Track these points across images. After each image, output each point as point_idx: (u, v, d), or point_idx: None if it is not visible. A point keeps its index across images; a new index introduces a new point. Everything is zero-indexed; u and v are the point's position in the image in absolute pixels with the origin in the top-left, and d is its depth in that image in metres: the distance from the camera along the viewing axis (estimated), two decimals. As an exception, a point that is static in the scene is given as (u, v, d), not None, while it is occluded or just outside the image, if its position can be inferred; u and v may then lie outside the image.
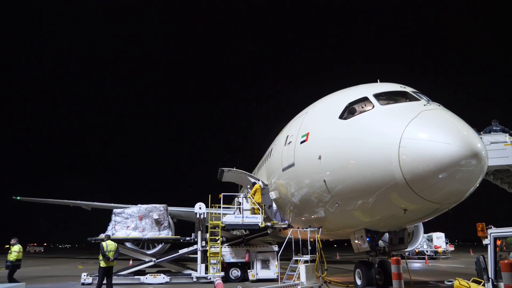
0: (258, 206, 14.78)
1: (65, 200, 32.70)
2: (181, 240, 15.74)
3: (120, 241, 16.05)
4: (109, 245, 11.68)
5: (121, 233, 15.71)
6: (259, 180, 15.94)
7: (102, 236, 15.61)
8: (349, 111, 10.16)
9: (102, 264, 11.48)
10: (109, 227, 15.97)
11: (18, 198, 33.29)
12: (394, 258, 9.06)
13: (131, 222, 15.91)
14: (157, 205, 16.89)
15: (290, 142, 12.37)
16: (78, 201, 32.02)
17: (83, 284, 13.92)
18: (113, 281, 13.81)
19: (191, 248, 15.37)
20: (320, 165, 10.14)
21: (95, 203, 31.63)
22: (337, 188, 9.85)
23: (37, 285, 13.26)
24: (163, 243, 20.98)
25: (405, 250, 11.25)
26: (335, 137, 9.94)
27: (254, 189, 15.18)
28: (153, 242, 17.23)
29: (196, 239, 15.09)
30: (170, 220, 20.22)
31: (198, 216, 15.18)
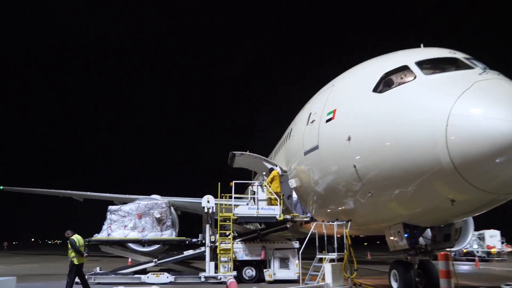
0: (275, 196, 14.72)
1: (54, 190, 33.27)
2: (187, 242, 15.87)
3: (117, 243, 16.28)
4: (79, 240, 12.03)
5: (118, 234, 15.87)
6: (276, 166, 15.85)
7: (97, 236, 15.83)
8: (385, 83, 9.90)
9: (76, 261, 11.80)
10: (104, 227, 16.14)
11: (1, 187, 34.02)
12: (442, 253, 8.91)
13: (129, 221, 16.05)
14: (159, 201, 16.97)
15: (313, 120, 12.20)
16: (69, 191, 32.53)
17: (77, 283, 14.17)
18: (113, 280, 14.12)
19: (198, 251, 15.51)
20: (349, 147, 9.98)
21: (88, 193, 32.11)
22: (369, 175, 9.69)
23: (27, 284, 13.55)
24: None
25: (451, 249, 11.05)
26: (367, 114, 9.72)
27: (271, 176, 15.10)
28: (154, 243, 17.37)
29: (204, 241, 15.16)
30: (175, 215, 20.37)
31: (206, 210, 15.22)
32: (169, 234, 16.03)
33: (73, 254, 11.84)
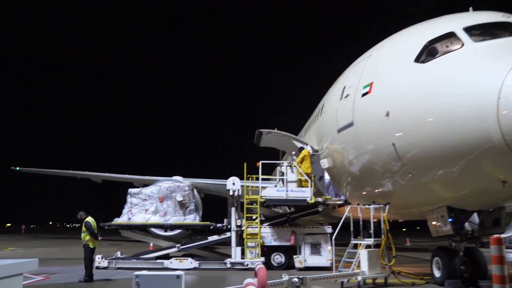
0: (306, 177, 14.75)
1: (71, 171, 34.23)
2: (211, 227, 16.13)
3: (138, 228, 16.71)
4: (93, 222, 12.42)
5: (139, 218, 16.29)
6: (307, 145, 15.83)
7: (118, 221, 16.30)
8: (428, 52, 9.69)
9: (92, 244, 12.22)
10: (124, 211, 16.57)
11: (18, 168, 35.21)
12: (495, 237, 8.80)
13: (150, 204, 16.42)
14: (181, 184, 17.25)
15: (347, 95, 12.08)
16: (86, 172, 33.39)
17: (97, 268, 14.73)
18: (134, 265, 14.59)
19: (223, 236, 15.78)
20: (387, 123, 9.87)
21: (107, 174, 32.87)
22: (410, 154, 9.58)
23: (47, 268, 14.13)
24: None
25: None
26: (408, 87, 9.56)
27: (301, 155, 15.11)
28: (177, 228, 17.76)
29: (229, 226, 15.39)
30: (198, 198, 20.72)
31: (231, 193, 15.41)
32: (193, 218, 16.34)
33: (88, 237, 12.24)
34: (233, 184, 15.53)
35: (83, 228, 12.34)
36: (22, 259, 2.94)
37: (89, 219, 12.42)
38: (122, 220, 16.41)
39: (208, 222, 16.32)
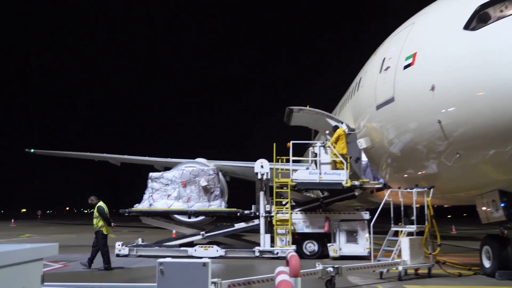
0: (341, 159, 14.68)
1: (88, 153, 34.97)
2: (238, 214, 16.29)
3: (159, 214, 16.99)
4: (105, 207, 12.66)
5: (160, 204, 16.54)
6: (342, 123, 15.71)
7: (138, 207, 16.60)
8: (479, 18, 9.44)
9: (105, 230, 12.48)
10: (145, 196, 16.83)
11: (32, 150, 36.16)
12: None
13: (172, 189, 16.62)
14: (205, 168, 17.40)
15: (387, 67, 11.93)
16: (104, 154, 34.03)
17: (118, 255, 15.10)
18: (156, 253, 14.90)
19: (251, 224, 15.91)
20: (432, 99, 9.74)
21: (126, 156, 33.44)
22: (458, 132, 9.49)
23: (65, 255, 14.56)
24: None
25: None
26: (457, 57, 9.38)
27: (336, 135, 15.02)
28: (201, 215, 17.97)
29: (257, 212, 15.50)
30: (223, 182, 20.86)
31: (259, 176, 15.46)
32: (218, 204, 16.49)
33: (101, 223, 12.51)
34: (261, 166, 15.56)
35: (95, 214, 12.62)
36: (42, 244, 3.02)
37: (101, 203, 12.68)
38: (143, 206, 16.69)
39: (235, 209, 16.45)
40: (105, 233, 12.50)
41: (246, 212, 16.00)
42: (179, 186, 16.59)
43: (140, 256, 15.28)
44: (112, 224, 12.69)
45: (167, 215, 17.76)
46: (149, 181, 16.90)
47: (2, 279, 2.32)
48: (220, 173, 18.10)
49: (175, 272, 5.11)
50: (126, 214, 16.72)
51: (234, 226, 16.21)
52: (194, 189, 16.57)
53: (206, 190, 16.53)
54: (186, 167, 17.64)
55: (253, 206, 15.88)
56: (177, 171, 17.22)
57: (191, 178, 16.66)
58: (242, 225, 16.11)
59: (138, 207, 16.73)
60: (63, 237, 26.01)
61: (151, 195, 16.67)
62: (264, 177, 15.50)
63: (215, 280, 6.38)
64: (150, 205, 16.58)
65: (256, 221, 15.64)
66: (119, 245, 15.38)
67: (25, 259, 2.65)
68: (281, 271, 4.65)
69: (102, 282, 7.67)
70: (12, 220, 44.36)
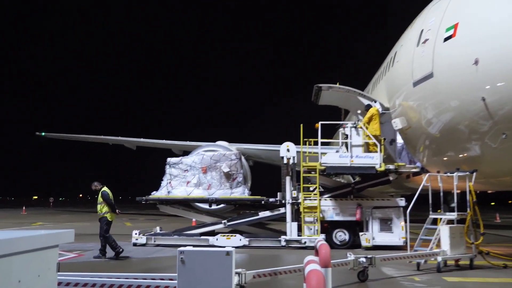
0: (374, 140, 14.60)
1: (102, 136, 35.40)
2: (263, 202, 16.36)
3: (178, 202, 17.16)
4: (110, 192, 12.88)
5: (179, 191, 16.67)
6: (375, 102, 15.57)
7: (156, 194, 16.78)
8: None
9: (110, 217, 12.77)
10: (163, 183, 16.99)
11: (43, 134, 36.78)
12: None
13: (192, 176, 16.73)
14: (227, 152, 17.44)
15: (426, 40, 11.79)
16: (119, 137, 34.41)
17: (135, 244, 15.37)
18: (175, 242, 15.12)
19: (276, 212, 15.99)
20: (476, 74, 9.64)
21: (142, 139, 33.80)
22: (504, 110, 9.42)
23: (79, 244, 14.89)
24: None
25: None
26: (503, 28, 9.24)
27: (368, 114, 14.92)
28: (223, 203, 18.07)
29: (283, 200, 15.55)
30: (246, 167, 20.89)
31: (285, 161, 15.47)
32: (241, 192, 16.54)
33: (106, 209, 12.80)
34: (287, 150, 15.55)
35: (100, 199, 12.87)
36: (57, 230, 3.08)
37: (106, 189, 12.93)
38: (160, 193, 16.85)
39: (259, 197, 16.49)
40: (110, 220, 12.78)
41: (271, 199, 16.02)
42: (199, 172, 16.67)
43: (158, 245, 15.54)
44: (117, 210, 12.97)
45: (186, 203, 17.92)
46: (167, 166, 17.02)
47: (17, 266, 2.38)
48: (243, 158, 18.14)
49: (197, 261, 5.16)
50: (143, 202, 16.94)
51: (258, 215, 16.29)
52: (215, 175, 16.62)
53: (228, 176, 16.57)
54: (207, 152, 17.71)
55: (278, 193, 15.90)
56: (197, 156, 17.30)
57: (211, 164, 16.69)
58: (267, 213, 16.18)
59: (156, 194, 16.90)
60: (77, 225, 26.52)
61: (169, 182, 16.80)
62: (291, 161, 15.50)
63: (238, 270, 6.46)
64: (169, 192, 16.72)
65: (282, 210, 15.70)
66: (136, 233, 15.67)
67: (41, 246, 2.71)
68: (311, 260, 4.65)
69: (119, 272, 7.81)
70: (24, 208, 45.43)
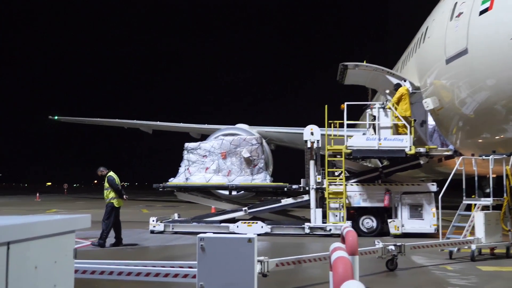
0: (404, 122, 14.48)
1: (117, 120, 35.77)
2: (285, 189, 16.38)
3: (197, 189, 17.27)
4: (117, 178, 13.05)
5: (198, 178, 16.75)
6: (405, 81, 15.42)
7: (174, 181, 16.91)
8: None
9: (117, 203, 12.93)
10: (181, 169, 17.10)
11: (56, 117, 37.28)
12: None
13: (211, 161, 16.80)
14: (247, 137, 17.47)
15: (460, 13, 11.64)
16: (135, 121, 34.70)
17: (152, 232, 15.57)
18: (195, 229, 15.26)
19: (300, 200, 16.01)
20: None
21: (158, 123, 34.03)
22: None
23: (95, 232, 15.11)
24: None
25: None
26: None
27: (398, 94, 14.79)
28: (244, 190, 18.14)
29: (307, 187, 15.55)
30: (268, 151, 20.93)
31: (309, 145, 15.44)
32: (262, 178, 16.56)
33: (112, 195, 12.96)
34: (311, 133, 15.49)
35: (106, 185, 13.06)
36: (73, 215, 3.13)
37: (112, 174, 13.11)
38: (178, 180, 16.97)
39: (282, 183, 16.50)
40: (117, 206, 12.94)
41: (294, 186, 16.00)
42: (218, 157, 16.73)
43: (177, 232, 15.71)
44: (124, 196, 13.11)
45: (205, 190, 18.06)
46: (185, 152, 17.11)
47: (34, 252, 2.41)
48: (264, 142, 18.16)
49: (218, 249, 5.20)
50: (160, 189, 17.08)
51: (280, 202, 16.30)
52: (235, 161, 16.66)
53: (249, 162, 16.58)
54: (226, 136, 17.72)
55: (302, 180, 15.88)
56: (216, 140, 17.34)
57: (231, 149, 16.72)
58: (289, 201, 16.19)
59: (173, 181, 17.02)
60: (92, 212, 26.49)
61: (187, 168, 16.89)
62: (315, 145, 15.44)
63: (261, 258, 6.49)
64: (187, 179, 16.81)
65: (305, 197, 15.70)
66: (153, 220, 15.85)
67: (57, 231, 2.75)
68: (338, 247, 4.66)
69: (137, 260, 7.93)
70: (37, 194, 46.20)
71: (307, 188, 15.52)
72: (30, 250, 2.38)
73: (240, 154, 16.59)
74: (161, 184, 16.95)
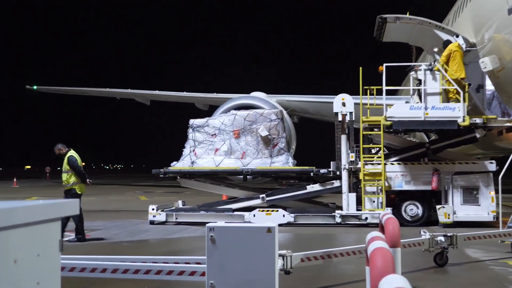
0: (456, 87, 14.33)
1: (107, 89, 35.66)
2: (311, 174, 16.31)
3: (205, 175, 17.26)
4: (79, 158, 12.84)
5: (206, 161, 16.73)
6: (458, 36, 15.21)
7: (177, 166, 16.86)
8: None
9: (79, 189, 12.70)
10: (186, 151, 17.09)
11: (35, 87, 37.46)
12: None
13: (221, 141, 16.77)
14: (265, 111, 17.33)
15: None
16: (129, 90, 34.57)
17: (152, 222, 15.69)
18: (203, 219, 15.31)
19: (329, 187, 16.03)
20: None
21: (157, 92, 33.87)
22: None
23: (88, 223, 15.29)
24: None
25: None
26: None
27: (446, 52, 14.60)
28: (261, 175, 18.00)
29: (338, 171, 15.47)
30: (290, 125, 20.74)
31: (340, 118, 15.34)
32: (283, 161, 16.45)
33: (74, 179, 12.71)
34: (342, 104, 15.34)
35: (66, 166, 12.75)
36: (59, 199, 3.14)
37: (73, 153, 12.86)
38: (182, 164, 17.01)
39: (307, 167, 16.44)
40: (79, 193, 12.69)
41: (323, 171, 15.91)
42: (230, 136, 16.65)
43: (181, 223, 15.80)
44: (88, 180, 12.91)
45: (214, 176, 17.95)
46: (190, 130, 17.07)
47: (12, 244, 2.38)
48: (285, 114, 18.05)
49: (231, 240, 5.19)
50: (161, 176, 17.15)
51: (305, 189, 16.26)
52: (251, 141, 16.56)
53: (267, 142, 16.45)
54: (239, 111, 17.43)
55: (331, 162, 15.82)
56: (227, 116, 17.20)
57: (246, 126, 16.63)
58: (317, 187, 16.17)
59: (177, 165, 17.02)
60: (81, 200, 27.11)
61: (193, 150, 16.83)
62: (347, 118, 15.34)
63: (283, 252, 6.50)
64: (192, 163, 16.79)
65: (336, 183, 15.70)
66: (153, 209, 15.91)
67: (40, 218, 2.75)
68: (376, 236, 4.63)
69: (134, 255, 8.03)
70: (15, 180, 46.41)
71: (338, 173, 15.48)
72: (8, 241, 2.36)
73: (256, 132, 16.45)
74: (161, 170, 16.96)
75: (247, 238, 5.22)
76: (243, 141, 16.62)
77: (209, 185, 17.82)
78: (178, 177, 17.49)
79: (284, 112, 19.25)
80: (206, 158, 16.74)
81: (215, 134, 16.83)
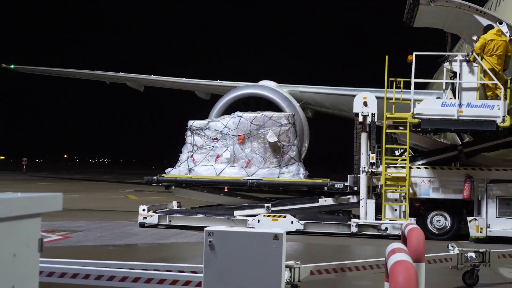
0: (496, 81, 14.26)
1: (95, 72, 35.66)
2: (325, 188, 16.32)
3: (204, 184, 17.26)
4: None
5: (205, 169, 16.71)
6: (501, 23, 15.11)
7: (172, 173, 16.85)
8: None
9: None
10: (183, 156, 17.11)
11: (12, 66, 37.52)
12: None
13: (223, 147, 16.75)
14: (274, 114, 17.15)
15: None
16: (120, 73, 34.57)
17: (142, 225, 15.71)
18: (200, 223, 15.33)
19: (344, 202, 16.12)
20: None
21: (153, 77, 33.88)
22: None
23: (65, 223, 15.37)
24: None
25: None
26: None
27: (482, 40, 14.45)
28: (268, 187, 17.95)
29: (355, 186, 15.44)
30: (303, 121, 20.68)
31: (360, 119, 15.32)
32: (294, 172, 16.41)
33: None
34: (364, 104, 15.25)
35: None
36: (39, 193, 3.13)
37: None
38: (179, 171, 17.05)
39: (320, 180, 16.45)
40: None
41: (338, 185, 15.90)
42: (233, 142, 16.61)
43: (175, 226, 15.80)
44: None
45: (214, 186, 17.92)
46: (188, 133, 17.04)
47: None
48: (298, 107, 17.96)
49: (232, 247, 5.20)
50: (154, 184, 17.16)
51: (317, 201, 16.28)
52: (257, 148, 16.53)
53: (276, 149, 16.42)
54: (245, 113, 17.24)
55: (349, 176, 15.75)
56: (231, 118, 17.11)
57: (252, 130, 16.57)
58: (329, 201, 16.24)
59: (172, 173, 17.01)
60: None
61: (191, 155, 16.81)
62: (369, 119, 15.32)
63: (290, 262, 6.50)
64: (190, 170, 16.77)
65: (352, 199, 15.82)
66: (144, 210, 15.91)
67: (17, 213, 2.74)
68: (398, 248, 4.63)
69: (121, 261, 8.05)
70: (-15, 173, 46.52)
71: (355, 188, 15.44)
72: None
73: (264, 137, 16.39)
74: (154, 177, 16.99)
75: (250, 245, 5.21)
76: (248, 147, 16.61)
77: (207, 194, 17.92)
78: (173, 187, 17.51)
79: (297, 105, 19.22)
80: (205, 166, 16.73)
81: (216, 139, 16.79)
